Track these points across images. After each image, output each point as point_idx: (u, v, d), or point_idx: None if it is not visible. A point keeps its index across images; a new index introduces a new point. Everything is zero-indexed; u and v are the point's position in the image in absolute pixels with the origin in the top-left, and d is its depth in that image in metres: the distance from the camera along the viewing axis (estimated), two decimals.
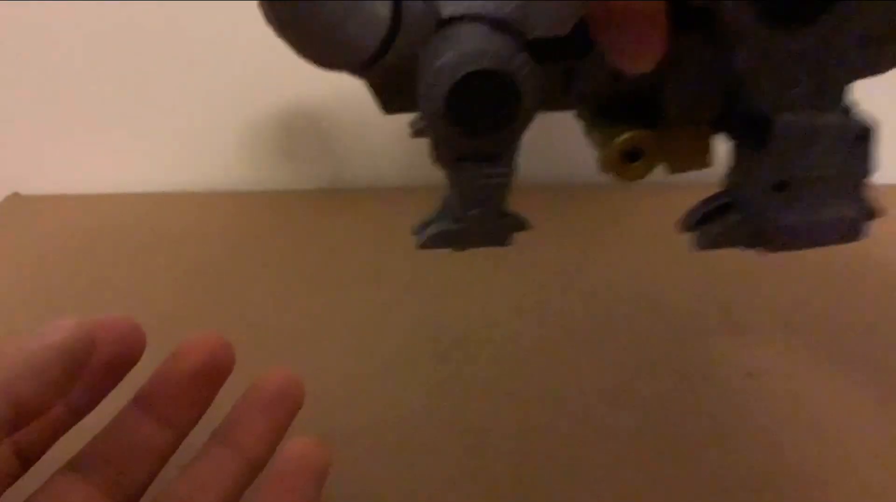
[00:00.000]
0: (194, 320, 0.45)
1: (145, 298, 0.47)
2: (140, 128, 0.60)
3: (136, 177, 0.60)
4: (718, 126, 0.33)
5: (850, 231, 0.31)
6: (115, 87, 0.59)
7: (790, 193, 0.30)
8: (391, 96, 0.33)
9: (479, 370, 0.40)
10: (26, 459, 0.29)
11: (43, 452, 0.29)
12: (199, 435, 0.30)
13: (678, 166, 0.34)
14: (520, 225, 0.34)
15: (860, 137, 0.29)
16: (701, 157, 0.35)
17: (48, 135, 0.62)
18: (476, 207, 0.32)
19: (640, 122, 0.33)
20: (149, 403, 0.30)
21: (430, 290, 0.44)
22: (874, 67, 0.32)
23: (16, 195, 0.62)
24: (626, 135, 0.32)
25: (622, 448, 0.35)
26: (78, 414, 0.30)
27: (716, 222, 0.31)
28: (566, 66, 0.30)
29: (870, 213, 0.32)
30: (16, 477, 0.28)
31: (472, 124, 0.29)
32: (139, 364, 0.30)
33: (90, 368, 0.27)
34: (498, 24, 0.29)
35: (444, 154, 0.31)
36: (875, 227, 0.47)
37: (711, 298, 0.43)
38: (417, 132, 0.40)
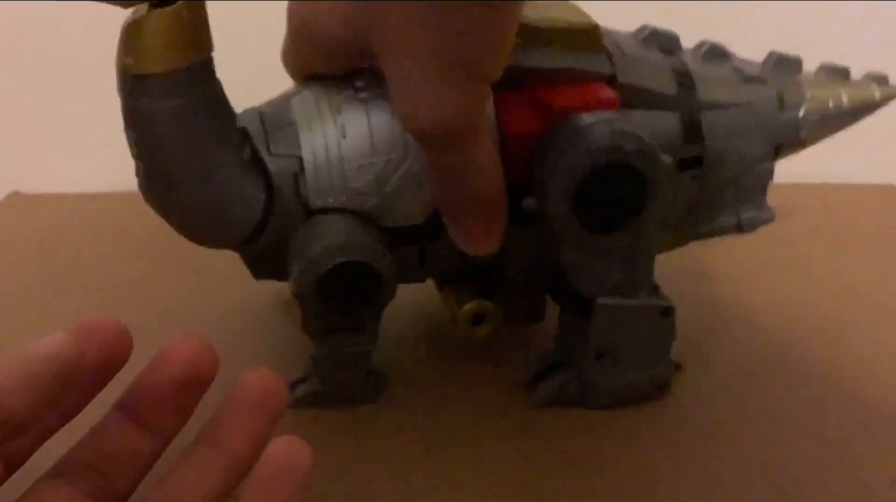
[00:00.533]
0: (195, 319, 0.45)
1: (147, 296, 0.47)
2: None
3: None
4: (549, 290, 0.39)
5: (658, 388, 0.37)
6: (113, 85, 0.58)
7: (609, 360, 0.35)
8: (263, 268, 0.37)
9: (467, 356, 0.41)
10: (10, 466, 0.28)
11: (27, 458, 0.29)
12: (184, 436, 0.30)
13: (516, 321, 0.39)
14: (384, 383, 0.37)
15: (664, 313, 0.35)
16: (535, 314, 0.40)
17: (48, 133, 0.61)
18: (343, 371, 0.35)
19: (483, 286, 0.38)
20: (132, 409, 0.29)
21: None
22: (670, 246, 0.39)
23: (16, 193, 0.60)
24: (470, 305, 0.37)
25: (618, 443, 0.35)
26: (63, 419, 0.30)
27: (548, 380, 0.36)
28: (420, 249, 0.35)
29: (675, 368, 0.37)
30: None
31: (339, 305, 0.33)
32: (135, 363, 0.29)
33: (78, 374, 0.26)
34: (360, 216, 0.34)
35: (314, 327, 0.34)
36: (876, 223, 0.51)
37: (706, 294, 0.43)
38: None
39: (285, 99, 0.35)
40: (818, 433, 0.36)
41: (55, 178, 0.60)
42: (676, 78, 0.36)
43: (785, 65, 0.40)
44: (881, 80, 0.41)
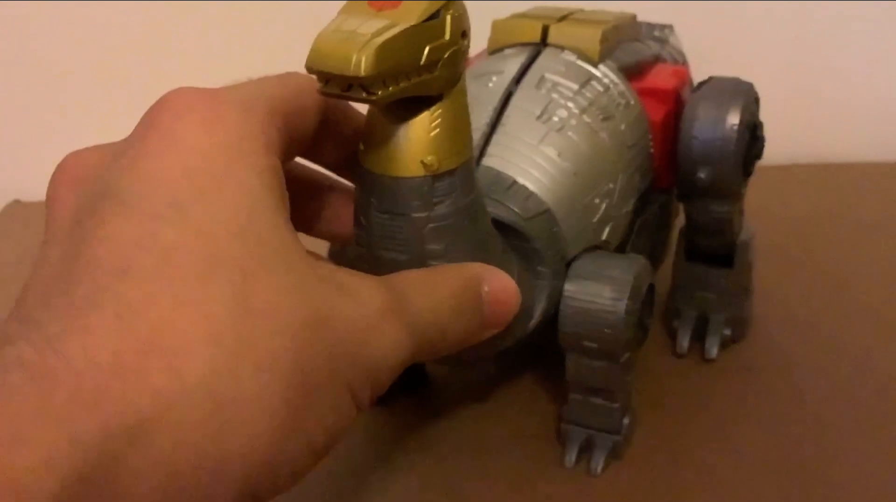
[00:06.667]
0: None
1: None
2: None
3: None
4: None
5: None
6: (114, 92, 0.59)
7: (749, 293, 0.40)
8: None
9: None
10: None
11: None
12: None
13: None
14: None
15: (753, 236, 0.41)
16: None
17: (48, 141, 0.57)
18: None
19: None
20: None
21: None
22: None
23: (17, 202, 0.61)
24: None
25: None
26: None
27: (710, 336, 0.39)
28: None
29: None
30: None
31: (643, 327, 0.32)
32: None
33: None
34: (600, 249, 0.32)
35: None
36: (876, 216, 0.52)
37: None
38: None
39: None
40: (819, 428, 0.36)
41: None
42: (676, 52, 0.42)
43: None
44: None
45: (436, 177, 0.25)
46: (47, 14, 0.57)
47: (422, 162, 0.24)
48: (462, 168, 0.25)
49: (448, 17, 0.23)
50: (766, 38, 0.54)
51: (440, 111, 0.24)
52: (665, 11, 0.43)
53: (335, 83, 0.22)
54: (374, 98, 0.22)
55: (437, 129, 0.24)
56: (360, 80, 0.22)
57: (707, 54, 0.51)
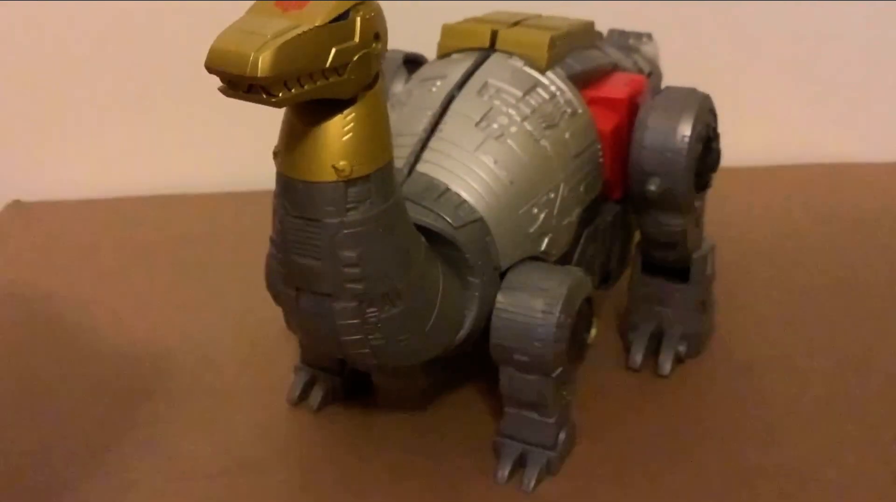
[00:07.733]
0: (198, 323, 0.44)
1: (149, 302, 0.46)
2: (141, 131, 0.61)
3: (137, 180, 0.60)
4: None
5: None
6: (114, 92, 0.59)
7: (706, 307, 0.39)
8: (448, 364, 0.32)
9: None
10: None
11: None
12: None
13: None
14: None
15: (712, 251, 0.40)
16: None
17: (48, 140, 0.61)
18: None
19: None
20: None
21: None
22: None
23: (17, 202, 0.60)
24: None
25: (618, 443, 0.34)
26: None
27: (663, 352, 0.38)
28: None
29: None
30: None
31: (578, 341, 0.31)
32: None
33: None
34: (539, 259, 0.31)
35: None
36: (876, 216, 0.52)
37: None
38: None
39: (402, 173, 0.30)
40: (818, 427, 0.35)
41: (56, 185, 0.60)
42: (645, 61, 0.41)
43: None
44: None
45: (349, 182, 0.24)
46: (47, 14, 0.57)
47: (333, 167, 0.24)
48: (377, 174, 0.25)
49: (358, 19, 0.23)
50: (763, 39, 0.52)
51: (353, 115, 0.24)
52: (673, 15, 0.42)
53: (237, 84, 0.22)
54: (273, 100, 0.22)
55: (350, 134, 0.24)
56: (258, 82, 0.21)
57: (703, 59, 0.49)
